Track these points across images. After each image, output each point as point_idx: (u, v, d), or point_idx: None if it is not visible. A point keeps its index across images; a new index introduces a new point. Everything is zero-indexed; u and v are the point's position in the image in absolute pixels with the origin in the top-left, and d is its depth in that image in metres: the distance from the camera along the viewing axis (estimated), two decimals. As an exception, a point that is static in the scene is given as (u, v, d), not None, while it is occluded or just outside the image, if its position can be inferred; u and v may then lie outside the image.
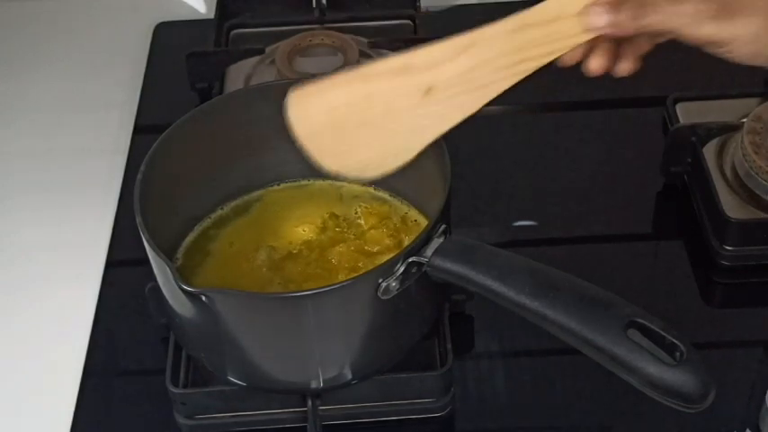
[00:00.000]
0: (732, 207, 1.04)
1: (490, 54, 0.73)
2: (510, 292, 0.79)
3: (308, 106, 0.79)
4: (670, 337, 0.75)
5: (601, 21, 0.67)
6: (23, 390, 0.98)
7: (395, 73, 0.75)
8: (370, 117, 0.77)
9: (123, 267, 1.07)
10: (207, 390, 0.92)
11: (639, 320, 0.76)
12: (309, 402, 0.90)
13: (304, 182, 1.02)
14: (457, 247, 0.83)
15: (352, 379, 0.89)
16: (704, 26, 0.66)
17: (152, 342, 0.99)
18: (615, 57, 0.71)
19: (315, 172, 1.00)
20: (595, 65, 0.71)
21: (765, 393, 0.89)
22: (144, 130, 1.20)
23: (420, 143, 0.78)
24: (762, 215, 1.04)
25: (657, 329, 0.75)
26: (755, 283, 1.05)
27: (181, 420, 0.93)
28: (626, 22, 0.67)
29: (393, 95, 0.76)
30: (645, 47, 0.71)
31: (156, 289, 0.90)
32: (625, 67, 0.71)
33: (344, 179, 0.86)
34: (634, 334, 0.75)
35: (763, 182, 1.04)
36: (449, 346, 0.93)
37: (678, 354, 0.74)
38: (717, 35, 0.67)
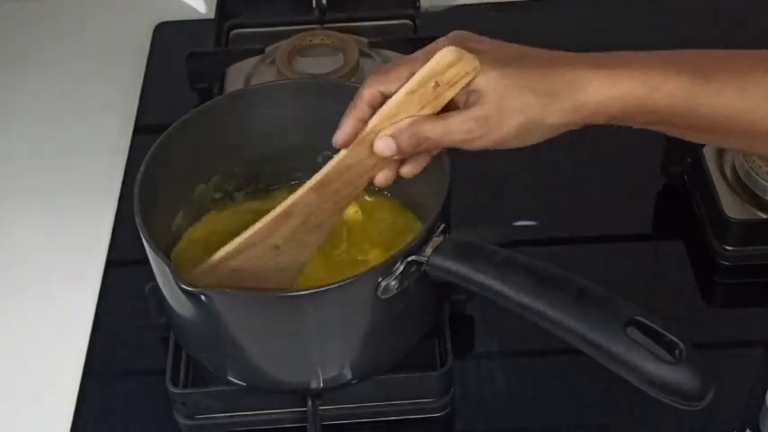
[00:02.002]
0: (732, 207, 1.04)
1: (308, 212, 0.84)
2: (509, 291, 0.79)
3: (203, 280, 0.89)
4: (669, 336, 0.75)
5: (388, 150, 0.79)
6: (23, 390, 0.98)
7: (242, 250, 0.86)
8: (249, 274, 0.88)
9: (123, 267, 1.07)
10: (207, 390, 0.92)
11: (639, 319, 0.76)
12: (309, 402, 0.90)
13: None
14: (456, 246, 0.83)
15: (352, 379, 0.89)
16: (476, 141, 0.78)
17: (152, 342, 0.99)
18: (397, 168, 0.82)
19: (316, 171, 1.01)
20: (381, 179, 0.82)
21: (765, 393, 0.89)
22: (144, 130, 1.20)
23: (291, 277, 0.89)
24: (762, 215, 1.04)
25: (657, 328, 0.75)
26: (755, 283, 1.05)
27: (181, 420, 0.93)
28: (408, 149, 0.79)
29: (255, 260, 0.87)
30: (426, 159, 0.83)
31: (156, 289, 0.90)
32: (408, 171, 0.82)
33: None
34: (633, 332, 0.75)
35: (763, 182, 1.04)
36: (449, 346, 0.93)
37: (677, 352, 0.74)
38: (489, 144, 0.78)
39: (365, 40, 1.24)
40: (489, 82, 0.76)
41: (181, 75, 1.23)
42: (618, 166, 1.15)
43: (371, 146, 0.80)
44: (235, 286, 0.87)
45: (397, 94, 0.78)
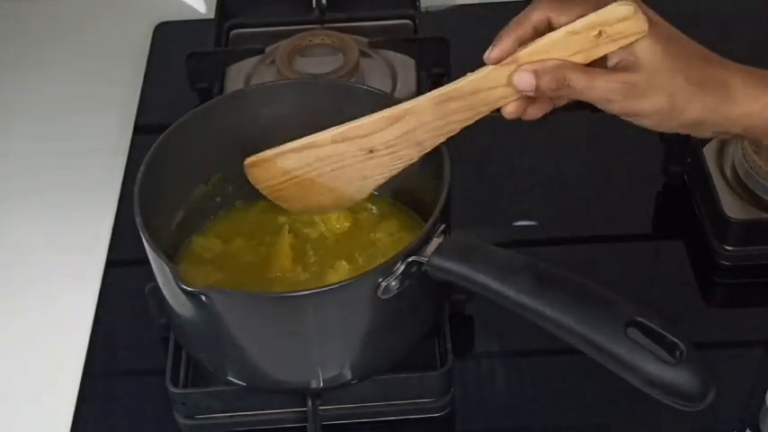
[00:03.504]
0: (732, 207, 1.04)
1: (418, 122, 0.83)
2: (510, 292, 0.79)
3: (266, 171, 0.91)
4: (670, 336, 0.75)
5: (526, 85, 0.77)
6: (23, 390, 0.98)
7: (337, 141, 0.86)
8: (323, 173, 0.89)
9: (123, 267, 1.07)
10: (207, 390, 0.92)
11: (639, 319, 0.76)
12: (309, 402, 0.90)
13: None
14: (456, 247, 0.83)
15: (352, 379, 0.88)
16: (614, 104, 0.77)
17: (152, 342, 0.99)
18: (528, 104, 0.81)
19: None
20: (510, 110, 0.80)
21: (765, 393, 0.89)
22: (144, 130, 1.20)
23: (370, 186, 0.90)
24: (762, 215, 1.04)
25: (657, 328, 0.75)
26: (755, 283, 1.05)
27: (181, 420, 0.93)
28: (546, 91, 0.77)
29: (339, 157, 0.87)
30: (559, 103, 0.81)
31: (156, 289, 0.90)
32: (533, 113, 0.81)
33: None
34: (634, 333, 0.75)
35: (763, 182, 1.04)
36: (449, 346, 0.92)
37: (678, 353, 0.74)
38: (624, 111, 0.77)
39: (365, 40, 1.24)
40: (649, 53, 0.75)
41: (181, 75, 1.23)
42: (618, 166, 1.15)
43: (511, 75, 0.78)
44: (307, 179, 0.88)
45: (558, 31, 0.76)
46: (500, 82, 0.79)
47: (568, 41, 0.76)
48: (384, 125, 0.85)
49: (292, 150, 0.89)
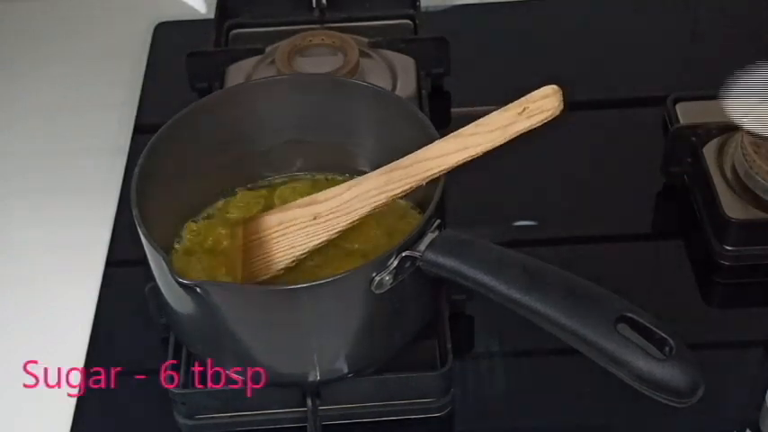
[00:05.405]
0: (732, 207, 1.04)
1: (362, 190, 0.89)
2: (501, 287, 0.79)
3: (249, 227, 0.95)
4: (659, 332, 0.75)
5: None
6: (23, 390, 0.98)
7: (302, 205, 0.92)
8: (272, 238, 0.93)
9: (123, 267, 1.07)
10: (207, 390, 0.92)
11: (629, 315, 0.76)
12: (309, 402, 0.90)
13: (303, 176, 1.02)
14: (450, 242, 0.83)
15: (349, 372, 0.89)
16: None
17: (152, 342, 0.99)
18: None
19: (314, 167, 1.01)
20: None
21: (765, 393, 0.89)
22: (144, 130, 1.20)
23: (288, 259, 0.92)
24: (762, 215, 1.04)
25: (647, 324, 0.75)
26: (755, 283, 1.04)
27: (181, 420, 0.93)
28: None
29: (291, 222, 0.92)
30: None
31: (156, 289, 0.90)
32: None
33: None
34: (624, 328, 0.75)
35: (763, 182, 1.04)
36: (449, 346, 0.92)
37: (667, 348, 0.74)
38: None
39: (365, 40, 1.24)
40: None
41: (181, 75, 1.23)
42: (618, 166, 1.15)
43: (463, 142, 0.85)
44: (257, 242, 0.92)
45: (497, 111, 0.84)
46: (434, 155, 0.86)
47: (498, 117, 0.84)
48: (341, 190, 0.90)
49: (271, 212, 0.93)
